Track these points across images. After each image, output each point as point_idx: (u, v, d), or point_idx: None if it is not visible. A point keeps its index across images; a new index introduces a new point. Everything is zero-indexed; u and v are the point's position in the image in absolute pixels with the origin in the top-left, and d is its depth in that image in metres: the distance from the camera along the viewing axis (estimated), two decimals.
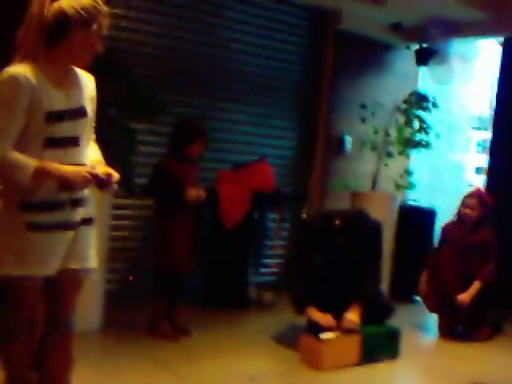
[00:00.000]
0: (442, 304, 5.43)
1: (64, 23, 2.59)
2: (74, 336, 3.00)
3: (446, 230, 5.63)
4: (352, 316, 4.54)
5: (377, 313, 4.74)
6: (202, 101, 6.18)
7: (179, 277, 4.83)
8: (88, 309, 4.63)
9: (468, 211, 5.45)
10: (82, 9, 2.61)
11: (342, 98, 7.00)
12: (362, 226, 4.73)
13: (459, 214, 5.54)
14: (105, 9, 2.69)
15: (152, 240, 4.96)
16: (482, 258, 5.36)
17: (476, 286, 5.32)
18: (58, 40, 2.62)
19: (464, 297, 5.29)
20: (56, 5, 2.59)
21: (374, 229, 4.81)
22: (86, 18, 2.62)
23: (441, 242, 5.64)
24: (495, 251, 5.41)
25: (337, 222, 4.68)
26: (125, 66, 4.88)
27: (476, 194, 5.52)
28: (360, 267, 4.67)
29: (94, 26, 2.65)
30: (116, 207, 5.20)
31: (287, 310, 4.85)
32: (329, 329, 4.47)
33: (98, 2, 2.67)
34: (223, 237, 5.73)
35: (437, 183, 8.12)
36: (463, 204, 5.52)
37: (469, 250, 5.37)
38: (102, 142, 3.07)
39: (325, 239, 4.68)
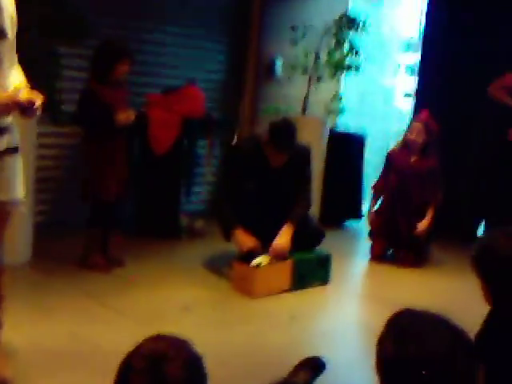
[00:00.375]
0: (386, 228, 5.51)
1: None
2: (3, 271, 2.93)
3: (392, 156, 5.64)
4: (283, 239, 4.55)
5: (307, 238, 4.79)
6: (131, 22, 5.95)
7: (111, 207, 4.73)
8: (16, 241, 4.51)
9: (414, 137, 5.47)
10: None
11: (272, 20, 6.87)
12: (294, 142, 4.64)
13: (405, 139, 5.57)
14: None
15: (81, 169, 4.81)
16: (426, 184, 5.45)
17: (430, 214, 5.44)
18: None
19: (422, 226, 5.39)
20: None
21: (303, 153, 4.79)
22: None
23: (386, 167, 5.67)
24: (441, 179, 5.52)
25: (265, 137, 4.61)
26: None
27: (422, 119, 5.53)
28: (290, 191, 4.68)
29: None
30: (41, 135, 5.02)
31: (219, 238, 4.85)
32: (257, 253, 4.49)
33: None
34: (153, 164, 5.63)
35: (366, 108, 8.15)
36: (409, 129, 5.54)
37: (413, 177, 5.44)
38: (24, 66, 2.93)
39: (255, 163, 4.63)
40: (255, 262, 4.45)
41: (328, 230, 5.23)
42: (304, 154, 4.80)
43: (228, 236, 4.68)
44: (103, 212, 4.67)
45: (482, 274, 2.11)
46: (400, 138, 5.80)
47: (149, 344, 1.49)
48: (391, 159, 5.62)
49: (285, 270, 4.56)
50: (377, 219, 5.57)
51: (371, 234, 5.67)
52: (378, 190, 5.68)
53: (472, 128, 6.59)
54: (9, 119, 2.72)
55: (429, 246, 5.59)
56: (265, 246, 4.57)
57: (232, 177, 4.76)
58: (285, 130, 4.56)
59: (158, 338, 1.52)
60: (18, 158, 2.82)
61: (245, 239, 4.54)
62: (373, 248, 5.63)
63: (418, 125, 5.48)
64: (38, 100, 2.66)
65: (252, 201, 4.68)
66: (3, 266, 2.95)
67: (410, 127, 5.58)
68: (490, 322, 2.16)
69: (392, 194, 5.50)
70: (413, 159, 5.49)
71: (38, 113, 2.71)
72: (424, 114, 5.58)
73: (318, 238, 4.92)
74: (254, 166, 4.64)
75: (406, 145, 5.56)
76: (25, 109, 2.61)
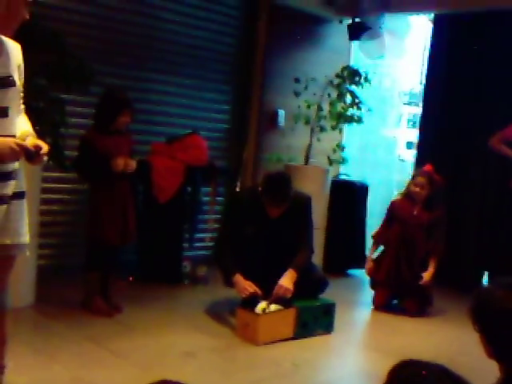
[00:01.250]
0: (389, 278, 5.48)
1: None
2: (7, 314, 2.92)
3: (395, 206, 5.65)
4: (286, 282, 4.51)
5: (311, 286, 4.77)
6: (134, 72, 6.06)
7: (112, 251, 4.72)
8: (20, 285, 4.48)
9: (418, 190, 5.48)
10: None
11: (275, 72, 6.98)
12: (288, 193, 4.60)
13: (408, 191, 5.58)
14: None
15: (85, 214, 4.83)
16: (429, 235, 5.46)
17: (433, 264, 5.43)
18: None
19: (427, 277, 5.37)
20: None
21: (302, 202, 4.78)
22: None
23: (388, 217, 5.67)
24: (445, 229, 5.54)
25: (260, 188, 4.61)
26: (54, 33, 4.70)
27: (426, 173, 5.56)
28: (289, 240, 4.67)
29: None
30: (46, 180, 5.05)
31: (221, 284, 4.83)
32: (258, 299, 4.45)
33: None
34: (156, 210, 5.64)
35: (368, 158, 8.21)
36: (413, 182, 5.55)
37: (417, 228, 5.45)
38: (30, 113, 2.99)
39: (253, 211, 4.64)
40: (259, 308, 4.42)
41: (331, 278, 5.22)
42: (303, 203, 4.79)
43: (228, 281, 4.66)
44: (101, 256, 4.65)
45: (479, 327, 2.08)
46: (403, 189, 5.81)
47: None
48: (394, 209, 5.63)
49: (288, 317, 4.52)
50: (374, 267, 5.56)
51: (373, 284, 5.64)
52: (378, 238, 5.67)
53: (474, 179, 6.63)
54: (16, 164, 2.75)
55: (432, 294, 5.55)
56: (265, 293, 4.53)
57: (231, 223, 4.77)
58: (279, 183, 4.56)
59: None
60: (24, 202, 2.85)
61: (244, 285, 4.51)
62: (376, 298, 5.59)
63: (421, 179, 5.50)
64: (45, 146, 2.72)
65: (252, 247, 4.67)
66: (7, 309, 2.94)
67: (413, 179, 5.60)
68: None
69: (395, 244, 5.49)
70: (416, 211, 5.50)
71: (45, 159, 2.77)
72: (427, 167, 5.62)
73: (322, 286, 4.89)
74: (252, 215, 4.65)
75: (409, 196, 5.57)
76: (32, 155, 2.66)
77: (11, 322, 2.97)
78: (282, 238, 4.68)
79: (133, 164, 4.66)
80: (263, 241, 4.67)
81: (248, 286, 4.49)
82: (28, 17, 2.66)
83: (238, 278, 4.54)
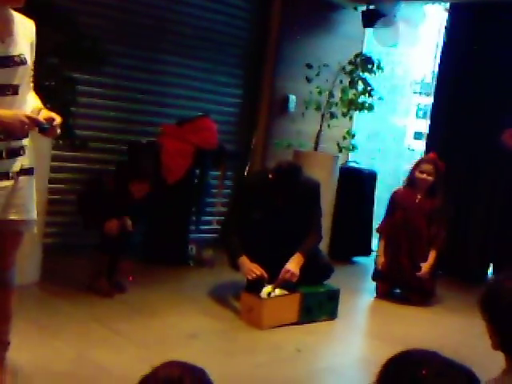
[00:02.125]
0: (389, 269, 5.47)
1: None
2: (13, 291, 2.95)
3: (397, 195, 5.62)
4: (292, 266, 4.52)
5: (316, 272, 4.78)
6: (147, 53, 6.06)
7: (125, 236, 4.73)
8: (25, 262, 4.50)
9: (425, 176, 5.46)
10: None
11: (287, 57, 6.96)
12: (298, 185, 4.61)
13: (411, 178, 5.54)
14: None
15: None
16: (432, 223, 5.44)
17: (433, 255, 5.40)
18: None
19: (425, 269, 5.34)
20: None
21: (311, 188, 4.78)
22: None
23: (390, 207, 5.63)
24: (445, 219, 5.51)
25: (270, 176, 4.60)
26: (68, 12, 4.70)
27: (432, 160, 5.53)
28: (297, 225, 4.67)
29: None
30: (55, 159, 5.07)
31: (227, 267, 4.85)
32: (263, 282, 4.47)
33: None
34: (165, 192, 5.65)
35: (377, 146, 8.20)
36: (419, 169, 5.51)
37: (419, 215, 5.43)
38: (40, 91, 2.99)
39: (262, 196, 4.64)
40: (264, 292, 4.43)
41: (337, 265, 5.23)
42: (312, 189, 4.80)
43: (235, 264, 4.68)
44: (112, 239, 4.67)
45: (488, 318, 2.10)
46: (405, 178, 5.76)
47: (165, 369, 1.50)
48: (396, 198, 5.59)
49: (293, 302, 4.54)
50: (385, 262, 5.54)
51: (374, 276, 5.63)
52: (382, 230, 5.66)
53: (484, 170, 6.61)
54: (25, 141, 2.75)
55: (435, 284, 5.54)
56: (271, 276, 4.54)
57: (239, 207, 4.78)
58: (289, 175, 4.55)
59: (175, 364, 1.53)
60: (33, 179, 2.86)
61: (250, 267, 4.52)
62: (378, 287, 5.60)
63: (428, 166, 5.47)
64: (58, 118, 2.72)
65: (259, 231, 4.67)
66: (14, 286, 2.96)
67: (417, 166, 5.55)
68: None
69: (397, 232, 5.47)
70: (418, 198, 5.49)
71: (58, 131, 2.75)
72: (432, 155, 5.61)
73: (328, 272, 4.90)
74: (261, 200, 4.65)
75: (411, 183, 5.55)
76: (44, 127, 2.65)
77: (16, 298, 2.99)
78: (289, 223, 4.68)
79: (130, 225, 4.66)
80: (271, 226, 4.67)
81: (254, 268, 4.51)
82: None
83: (244, 260, 4.55)
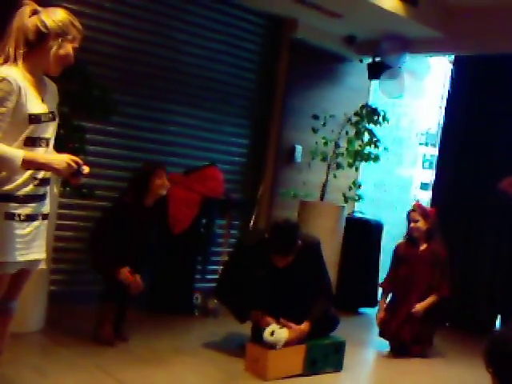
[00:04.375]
0: (389, 321, 5.43)
1: (43, 34, 2.85)
2: (13, 318, 3.16)
3: (399, 249, 5.62)
4: (302, 329, 4.49)
5: (323, 325, 4.70)
6: (155, 103, 6.12)
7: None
8: (31, 310, 4.53)
9: (413, 224, 5.49)
10: (60, 22, 2.88)
11: (294, 108, 7.03)
12: (296, 243, 4.48)
13: (408, 231, 5.57)
14: (79, 24, 2.95)
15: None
16: (434, 271, 5.41)
17: (432, 299, 5.35)
18: (36, 49, 2.88)
19: (419, 307, 5.30)
20: (36, 18, 2.86)
21: (311, 247, 4.66)
22: (62, 31, 2.89)
23: (394, 262, 5.62)
24: (448, 266, 5.48)
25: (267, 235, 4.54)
26: (78, 62, 4.76)
27: (417, 206, 5.58)
28: (301, 285, 4.61)
29: (69, 39, 2.92)
30: (62, 206, 5.09)
31: (232, 318, 4.80)
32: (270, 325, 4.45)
33: (73, 17, 2.94)
34: (171, 241, 5.65)
35: (383, 197, 8.22)
36: (409, 220, 5.56)
37: (423, 266, 5.41)
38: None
39: (261, 257, 4.52)
40: (269, 329, 4.38)
41: (343, 316, 5.17)
42: (312, 249, 4.67)
43: (242, 319, 4.66)
44: (117, 287, 4.65)
45: (492, 369, 2.07)
46: (404, 233, 5.76)
47: None
48: (399, 252, 5.59)
49: (298, 353, 4.49)
50: (385, 317, 5.46)
51: (381, 334, 5.56)
52: (386, 285, 5.62)
53: (489, 219, 6.60)
54: (47, 187, 3.02)
55: (431, 333, 5.45)
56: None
57: (235, 267, 4.75)
58: (285, 234, 4.43)
59: None
60: (47, 223, 3.13)
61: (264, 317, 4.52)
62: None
63: (414, 213, 5.51)
64: (87, 168, 2.96)
65: (264, 290, 4.61)
66: (14, 314, 3.16)
67: (408, 218, 5.58)
68: None
69: (399, 287, 5.45)
70: (421, 248, 5.49)
71: (83, 179, 2.99)
72: (417, 203, 5.71)
73: (334, 325, 4.81)
74: (259, 260, 4.55)
75: (410, 237, 5.56)
76: (80, 171, 2.89)
77: (19, 344, 3.00)
78: (292, 286, 4.61)
79: (139, 283, 4.67)
80: (273, 288, 4.61)
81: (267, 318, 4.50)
82: (73, 62, 3.00)
83: (256, 314, 4.56)
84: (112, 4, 5.73)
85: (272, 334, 4.38)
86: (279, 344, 4.37)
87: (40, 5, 2.93)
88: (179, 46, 6.23)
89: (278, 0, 6.20)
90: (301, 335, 4.49)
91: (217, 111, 6.59)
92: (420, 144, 8.92)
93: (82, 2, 5.49)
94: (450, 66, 7.20)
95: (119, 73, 5.82)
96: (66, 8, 2.99)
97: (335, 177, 6.75)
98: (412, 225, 5.49)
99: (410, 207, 5.71)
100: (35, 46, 2.86)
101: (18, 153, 2.75)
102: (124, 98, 5.67)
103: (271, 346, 4.36)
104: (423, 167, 8.93)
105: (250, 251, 4.63)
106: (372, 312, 6.71)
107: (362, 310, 6.95)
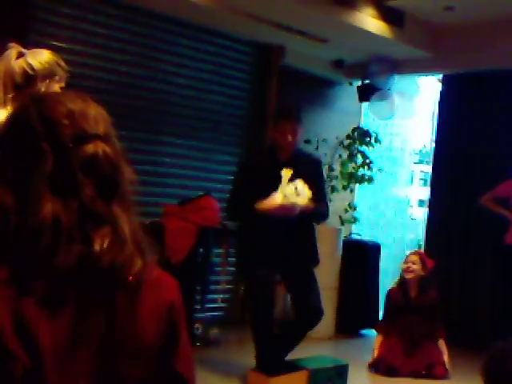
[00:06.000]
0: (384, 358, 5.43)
1: (30, 77, 2.84)
2: None
3: (392, 295, 5.67)
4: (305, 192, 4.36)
5: (305, 317, 4.61)
6: (147, 135, 6.15)
7: None
8: None
9: (410, 266, 5.52)
10: (46, 63, 2.88)
11: None
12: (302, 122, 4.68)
13: (402, 277, 5.60)
14: (64, 64, 2.95)
15: None
16: (426, 318, 5.46)
17: (443, 345, 5.43)
18: (24, 91, 2.83)
19: (446, 359, 5.37)
20: (22, 60, 2.85)
21: (313, 161, 4.82)
22: (49, 73, 2.89)
23: (387, 307, 5.70)
24: (441, 311, 5.57)
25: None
26: None
27: (418, 252, 5.71)
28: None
29: (56, 79, 2.91)
30: None
31: (233, 346, 4.81)
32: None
33: (58, 57, 2.94)
34: (168, 271, 5.64)
35: (380, 217, 8.23)
36: (406, 261, 5.60)
37: (413, 312, 5.46)
38: None
39: (263, 165, 4.62)
40: (291, 186, 4.28)
41: (344, 338, 5.17)
42: (315, 161, 4.84)
43: (251, 216, 4.52)
44: None
45: None
46: (398, 276, 5.79)
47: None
48: (391, 299, 5.66)
49: (300, 380, 4.47)
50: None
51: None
52: (380, 331, 5.66)
53: (486, 235, 6.61)
54: None
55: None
56: (281, 272, 4.58)
57: (240, 187, 4.73)
58: (291, 105, 4.67)
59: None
60: None
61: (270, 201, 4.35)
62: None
63: (413, 257, 5.57)
64: None
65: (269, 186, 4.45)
66: None
67: (405, 260, 5.63)
68: None
69: (394, 334, 5.47)
70: (413, 295, 5.53)
71: None
72: (418, 250, 5.76)
73: (317, 318, 4.63)
74: (262, 170, 4.58)
75: (404, 282, 5.59)
76: None
77: None
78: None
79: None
80: (275, 186, 4.42)
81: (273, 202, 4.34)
82: None
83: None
84: (100, 39, 5.78)
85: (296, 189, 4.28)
86: (303, 197, 4.30)
87: (24, 47, 2.95)
88: (169, 77, 6.28)
89: (264, 28, 6.25)
90: (308, 208, 4.40)
91: (209, 140, 6.63)
92: (414, 163, 8.96)
93: (70, 39, 5.54)
94: (439, 85, 7.26)
95: (109, 107, 5.73)
96: (53, 46, 3.03)
97: (330, 200, 6.75)
98: (409, 264, 5.50)
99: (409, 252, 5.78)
100: (23, 88, 2.86)
101: None
102: (116, 132, 5.69)
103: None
104: (420, 185, 8.96)
105: (252, 166, 4.77)
106: (373, 333, 6.69)
107: (363, 331, 6.92)
